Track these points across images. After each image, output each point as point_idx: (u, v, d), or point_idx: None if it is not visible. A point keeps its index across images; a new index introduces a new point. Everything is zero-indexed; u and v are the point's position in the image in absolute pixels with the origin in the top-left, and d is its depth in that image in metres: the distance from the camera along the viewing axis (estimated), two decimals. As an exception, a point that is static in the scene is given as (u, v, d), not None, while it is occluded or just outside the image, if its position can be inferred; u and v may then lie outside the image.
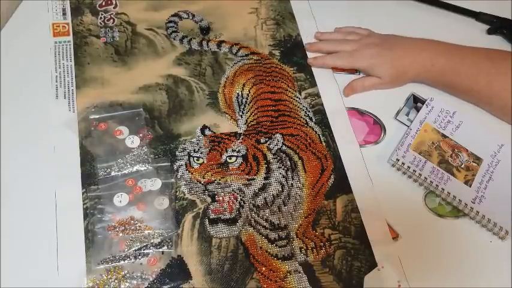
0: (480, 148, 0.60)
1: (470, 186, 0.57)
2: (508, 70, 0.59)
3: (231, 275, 0.50)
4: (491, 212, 0.55)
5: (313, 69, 0.66)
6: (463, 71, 0.61)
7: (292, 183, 0.56)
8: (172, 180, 0.55)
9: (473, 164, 0.59)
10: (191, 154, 0.57)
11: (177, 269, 0.50)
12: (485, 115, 0.64)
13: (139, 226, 0.52)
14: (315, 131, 0.61)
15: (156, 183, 0.55)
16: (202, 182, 0.55)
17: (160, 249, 0.51)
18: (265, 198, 0.55)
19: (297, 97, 0.64)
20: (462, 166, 0.59)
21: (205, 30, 0.68)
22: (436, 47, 0.63)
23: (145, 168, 0.56)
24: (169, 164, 0.56)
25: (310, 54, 0.68)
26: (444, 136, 0.61)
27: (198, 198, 0.54)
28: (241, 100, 0.63)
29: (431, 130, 0.61)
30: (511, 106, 0.59)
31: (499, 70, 0.60)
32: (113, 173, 0.55)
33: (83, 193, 0.53)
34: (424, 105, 0.62)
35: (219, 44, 0.67)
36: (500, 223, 0.55)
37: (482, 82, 0.61)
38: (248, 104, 0.62)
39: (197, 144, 0.58)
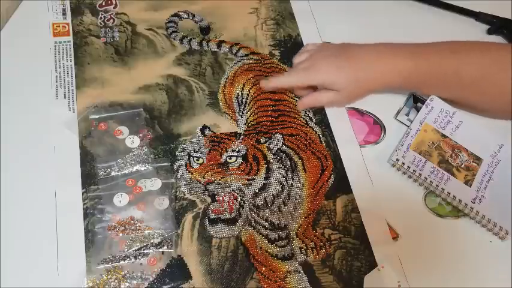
0: (480, 148, 0.60)
1: (470, 186, 0.57)
2: (473, 60, 0.57)
3: (231, 275, 0.50)
4: (491, 212, 0.55)
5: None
6: (430, 72, 0.58)
7: (292, 183, 0.56)
8: (172, 180, 0.55)
9: (473, 164, 0.59)
10: (191, 154, 0.57)
11: (177, 269, 0.50)
12: (485, 115, 0.64)
13: (139, 226, 0.52)
14: (315, 131, 0.61)
15: (156, 183, 0.55)
16: (202, 182, 0.55)
17: (160, 249, 0.51)
18: (265, 198, 0.55)
19: (297, 97, 0.64)
20: (462, 166, 0.59)
21: (205, 30, 0.68)
22: (398, 51, 0.59)
23: (145, 168, 0.56)
24: (169, 164, 0.56)
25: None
26: (444, 136, 0.61)
27: (198, 198, 0.54)
28: (241, 100, 0.62)
29: (431, 130, 0.61)
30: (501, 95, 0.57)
31: (465, 61, 0.57)
32: (113, 173, 0.55)
33: (83, 193, 0.53)
34: (424, 105, 0.62)
35: (219, 44, 0.67)
36: (500, 223, 0.55)
37: (451, 77, 0.58)
38: (248, 104, 0.62)
39: (197, 144, 0.58)
